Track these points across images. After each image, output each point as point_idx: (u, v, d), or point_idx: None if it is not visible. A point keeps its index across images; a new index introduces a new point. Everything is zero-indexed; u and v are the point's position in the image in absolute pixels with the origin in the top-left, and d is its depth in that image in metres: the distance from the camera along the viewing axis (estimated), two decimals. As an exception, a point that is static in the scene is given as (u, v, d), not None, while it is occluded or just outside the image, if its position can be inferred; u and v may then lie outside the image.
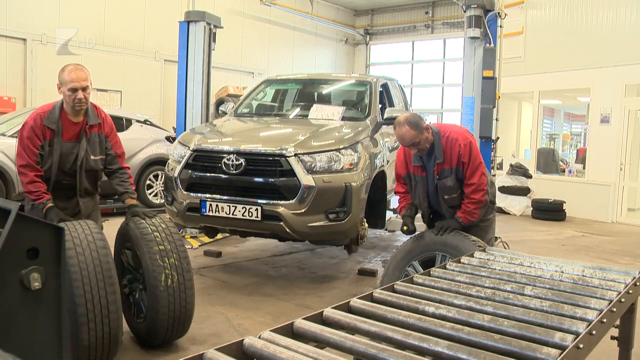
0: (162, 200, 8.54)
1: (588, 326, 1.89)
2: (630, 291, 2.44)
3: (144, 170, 9.84)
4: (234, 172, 4.93)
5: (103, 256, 3.10)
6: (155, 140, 10.04)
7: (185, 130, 7.35)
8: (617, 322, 2.57)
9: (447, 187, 4.02)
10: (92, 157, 3.83)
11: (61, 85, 3.65)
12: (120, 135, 10.08)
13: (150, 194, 9.99)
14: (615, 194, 11.43)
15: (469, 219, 3.98)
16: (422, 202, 4.22)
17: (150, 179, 9.95)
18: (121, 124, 9.98)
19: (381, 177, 5.75)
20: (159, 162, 9.66)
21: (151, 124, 10.38)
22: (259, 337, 1.71)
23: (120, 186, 3.98)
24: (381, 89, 6.79)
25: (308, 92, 7.11)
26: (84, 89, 3.63)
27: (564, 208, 11.29)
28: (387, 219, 6.13)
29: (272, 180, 4.89)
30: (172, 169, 5.40)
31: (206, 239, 7.21)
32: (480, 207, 4.00)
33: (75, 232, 3.16)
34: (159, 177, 9.89)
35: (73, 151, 3.76)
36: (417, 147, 3.92)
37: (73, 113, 3.73)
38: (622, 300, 2.30)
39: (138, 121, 10.11)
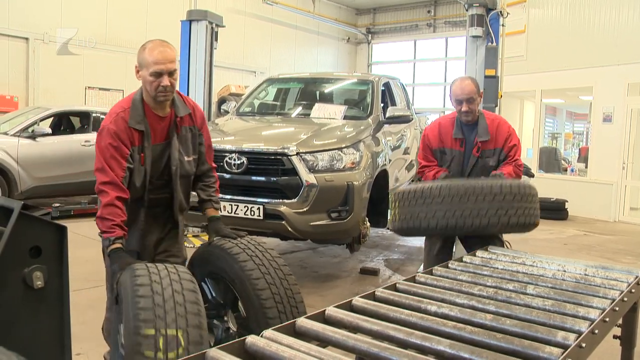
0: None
1: (590, 325, 1.89)
2: (633, 290, 2.43)
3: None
4: (235, 171, 4.93)
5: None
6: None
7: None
8: (620, 321, 2.56)
9: (489, 167, 3.95)
10: (186, 158, 2.95)
11: (140, 68, 2.80)
12: (122, 134, 10.21)
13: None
14: (618, 193, 11.41)
15: (510, 177, 3.83)
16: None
17: (151, 178, 9.95)
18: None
19: (383, 175, 5.75)
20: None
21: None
22: (261, 336, 1.71)
23: (203, 191, 3.12)
24: (383, 88, 6.78)
25: (310, 91, 7.10)
26: (171, 73, 2.76)
27: (566, 207, 11.28)
28: (389, 217, 6.13)
29: (274, 179, 4.89)
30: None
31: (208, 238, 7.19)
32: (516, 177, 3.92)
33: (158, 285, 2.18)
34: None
35: (164, 155, 2.89)
36: (469, 105, 3.86)
37: (158, 105, 2.85)
38: (625, 299, 2.30)
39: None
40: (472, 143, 3.97)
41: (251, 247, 2.79)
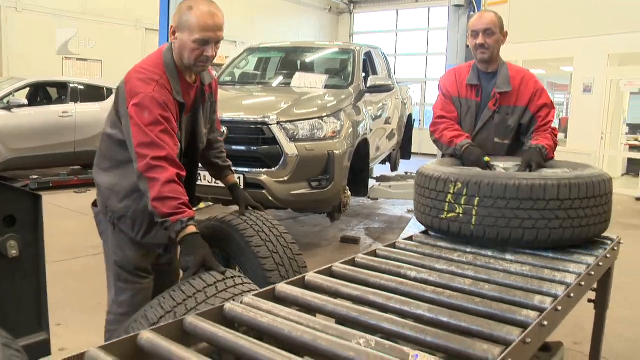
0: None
1: (566, 289, 1.91)
2: (608, 255, 2.47)
3: (125, 140, 9.73)
4: (216, 140, 4.87)
5: None
6: (136, 110, 9.90)
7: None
8: (595, 285, 2.60)
9: (505, 127, 3.25)
10: (204, 130, 2.65)
11: (180, 30, 2.36)
12: (101, 105, 10.06)
13: (132, 165, 9.91)
14: (596, 163, 11.54)
15: (552, 150, 3.13)
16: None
17: (132, 149, 9.85)
18: (102, 93, 9.84)
19: (364, 145, 5.74)
20: (141, 131, 9.54)
21: (132, 93, 10.23)
22: (241, 302, 1.70)
23: (219, 159, 2.88)
24: (364, 57, 6.73)
25: (291, 61, 7.04)
26: (217, 42, 2.41)
27: (545, 177, 11.39)
28: (369, 187, 6.14)
29: (255, 148, 4.86)
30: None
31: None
32: (553, 152, 3.16)
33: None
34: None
35: (189, 128, 2.56)
36: (487, 39, 3.14)
37: (187, 71, 2.48)
38: (600, 264, 2.33)
39: (119, 90, 9.96)
40: (489, 94, 3.25)
41: (253, 219, 2.73)
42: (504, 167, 3.10)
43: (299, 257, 2.68)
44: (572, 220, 2.32)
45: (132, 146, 2.28)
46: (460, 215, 2.39)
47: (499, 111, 3.24)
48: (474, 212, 2.35)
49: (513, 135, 3.28)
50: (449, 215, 2.43)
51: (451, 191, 2.41)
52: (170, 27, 2.43)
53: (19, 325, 2.13)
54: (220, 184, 2.93)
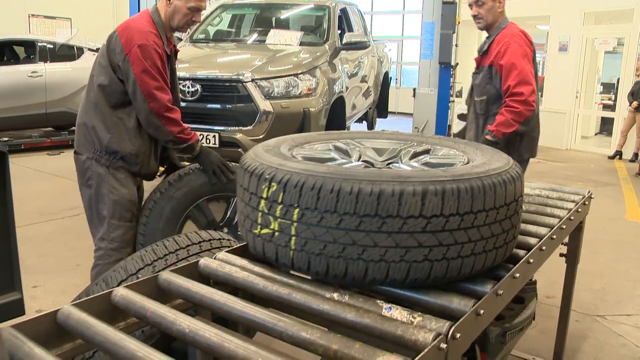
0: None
1: (539, 242, 1.94)
2: (580, 210, 2.51)
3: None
4: (190, 98, 4.80)
5: None
6: (108, 69, 9.68)
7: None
8: (566, 240, 2.65)
9: (476, 85, 3.43)
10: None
11: None
12: (71, 64, 9.79)
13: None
14: (570, 121, 11.68)
15: (501, 131, 3.16)
16: (468, 104, 3.62)
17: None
18: (72, 53, 9.58)
19: (340, 103, 5.70)
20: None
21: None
22: (215, 258, 1.70)
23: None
24: (340, 14, 6.64)
25: (265, 17, 6.90)
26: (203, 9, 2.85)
27: (520, 135, 11.49)
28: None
29: (230, 106, 4.79)
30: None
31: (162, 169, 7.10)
32: (518, 120, 3.15)
33: None
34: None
35: (172, 80, 2.90)
36: (478, 9, 3.32)
37: (170, 32, 2.86)
38: (572, 218, 2.37)
39: (90, 49, 9.72)
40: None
41: None
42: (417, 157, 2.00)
43: None
44: (444, 248, 1.44)
45: (139, 91, 2.63)
46: (276, 233, 1.52)
47: (478, 72, 3.41)
48: (292, 231, 1.48)
49: (486, 90, 3.35)
50: (262, 232, 1.56)
51: (264, 195, 1.53)
52: None
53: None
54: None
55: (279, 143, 1.92)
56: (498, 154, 1.85)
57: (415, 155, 1.98)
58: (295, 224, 1.46)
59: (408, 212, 1.38)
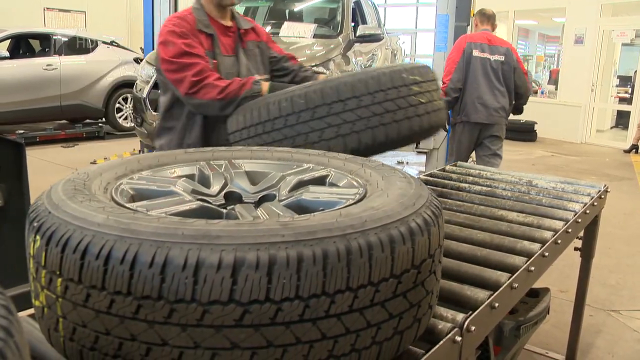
0: (132, 124, 8.40)
1: (554, 235, 1.92)
2: (595, 204, 2.48)
3: (112, 93, 9.61)
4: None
5: None
6: (123, 62, 9.74)
7: (153, 50, 7.12)
8: (581, 234, 2.63)
9: None
10: (257, 77, 2.56)
11: None
12: (85, 57, 9.84)
13: (120, 118, 9.80)
14: (586, 115, 11.56)
15: None
16: None
17: (119, 102, 9.75)
18: (86, 46, 9.64)
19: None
20: (128, 84, 9.39)
21: (118, 46, 10.04)
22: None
23: (307, 72, 2.84)
24: (354, 6, 6.61)
25: (279, 10, 6.89)
26: None
27: (535, 129, 11.41)
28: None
29: (243, 99, 4.79)
30: (140, 90, 5.27)
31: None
32: None
33: None
34: (129, 100, 9.66)
35: (232, 70, 2.55)
36: None
37: (220, 14, 2.58)
38: (587, 212, 2.35)
39: (104, 42, 9.77)
40: None
41: None
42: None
43: None
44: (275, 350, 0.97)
45: (168, 82, 2.39)
46: (45, 309, 1.00)
47: None
48: (58, 310, 0.96)
49: None
50: (35, 303, 1.05)
51: (30, 251, 1.02)
52: None
53: (5, 276, 2.13)
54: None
55: (112, 166, 1.38)
56: (414, 182, 1.23)
57: (298, 185, 1.40)
58: (60, 300, 0.94)
59: (210, 297, 0.84)
